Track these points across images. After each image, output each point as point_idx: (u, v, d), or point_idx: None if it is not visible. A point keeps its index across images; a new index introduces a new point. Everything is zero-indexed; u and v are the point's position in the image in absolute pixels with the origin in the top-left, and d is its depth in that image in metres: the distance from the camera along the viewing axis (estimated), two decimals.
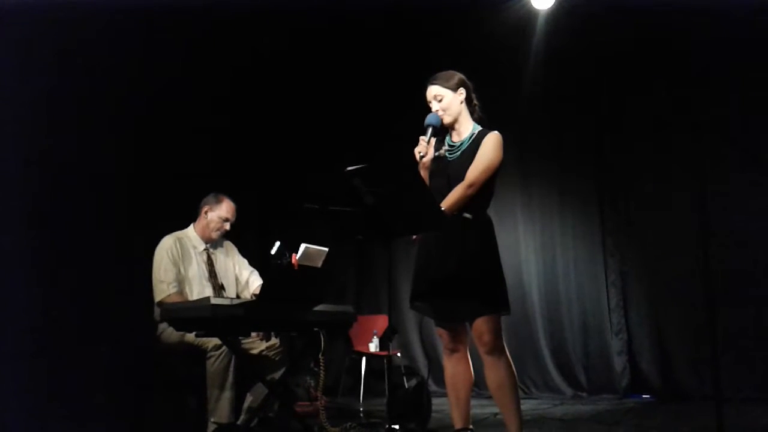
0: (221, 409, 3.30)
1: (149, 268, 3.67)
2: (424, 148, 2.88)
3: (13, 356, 3.65)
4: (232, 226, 3.84)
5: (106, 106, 4.35)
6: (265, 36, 5.45)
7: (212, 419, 3.31)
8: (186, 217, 3.88)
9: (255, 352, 3.51)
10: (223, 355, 3.30)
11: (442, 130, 3.02)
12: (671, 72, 5.38)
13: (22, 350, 3.70)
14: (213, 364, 3.31)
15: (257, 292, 3.73)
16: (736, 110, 5.06)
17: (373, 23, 5.70)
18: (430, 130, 2.89)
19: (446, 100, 2.96)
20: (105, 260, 4.18)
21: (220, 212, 3.79)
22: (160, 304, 3.53)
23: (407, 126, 3.15)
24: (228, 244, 3.95)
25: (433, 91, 2.98)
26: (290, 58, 5.99)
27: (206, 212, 3.79)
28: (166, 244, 3.70)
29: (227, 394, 3.31)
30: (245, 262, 3.96)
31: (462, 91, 2.98)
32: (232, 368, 3.31)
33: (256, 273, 3.92)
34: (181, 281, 3.64)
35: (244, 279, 3.88)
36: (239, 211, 3.90)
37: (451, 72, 3.01)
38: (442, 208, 2.77)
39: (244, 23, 5.21)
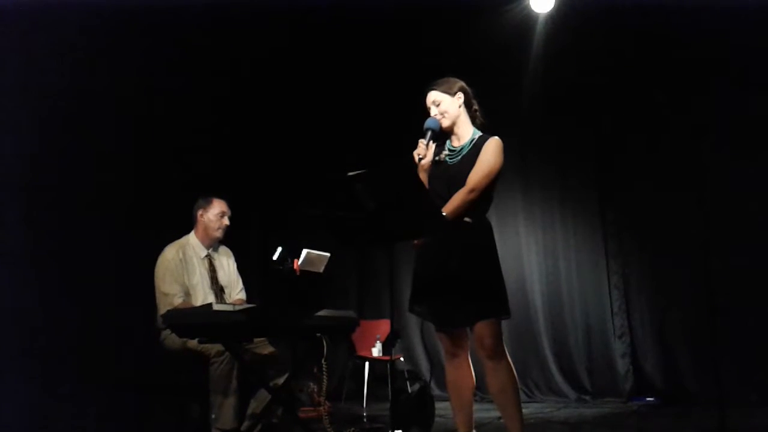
0: (225, 415, 3.30)
1: (152, 272, 3.67)
2: (423, 151, 2.91)
3: (14, 361, 3.65)
4: (231, 221, 3.85)
5: (105, 106, 4.36)
6: (265, 39, 5.45)
7: (216, 425, 3.31)
8: (187, 219, 3.89)
9: (264, 353, 3.53)
10: (226, 361, 3.30)
11: (443, 135, 3.05)
12: (671, 74, 5.38)
13: (23, 355, 3.71)
14: (216, 370, 3.31)
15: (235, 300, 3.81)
16: (736, 111, 5.06)
17: (373, 27, 5.71)
18: (429, 134, 2.93)
19: (444, 105, 3.00)
20: (107, 264, 4.18)
21: (214, 210, 3.82)
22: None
23: (408, 131, 3.16)
24: (228, 250, 3.96)
25: (432, 96, 3.02)
26: (291, 62, 6.00)
27: (201, 215, 3.82)
28: (169, 255, 3.69)
29: (231, 400, 3.31)
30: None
31: (460, 95, 3.01)
32: (235, 374, 3.31)
33: (241, 284, 3.95)
34: (186, 290, 3.65)
35: (234, 282, 3.92)
36: (242, 216, 3.91)
37: (450, 78, 3.06)
38: (444, 214, 2.78)
39: (245, 24, 5.21)
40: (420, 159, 2.91)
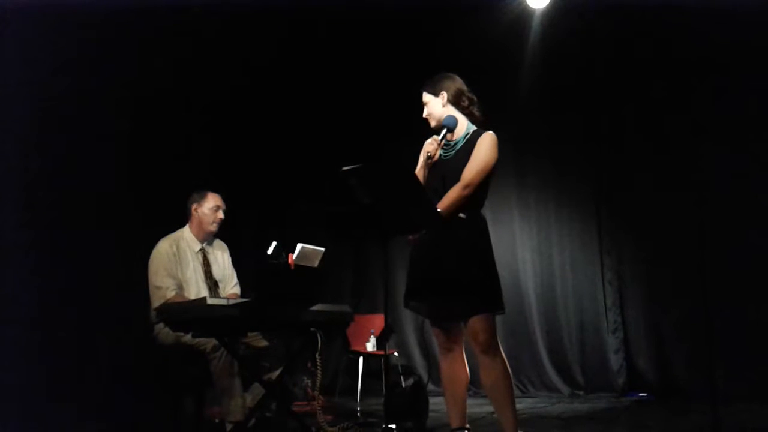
0: (235, 407, 3.31)
1: (147, 268, 3.67)
2: (434, 150, 2.91)
3: (11, 357, 3.65)
4: (226, 214, 3.84)
5: (105, 106, 4.35)
6: (263, 36, 5.43)
7: (228, 419, 3.32)
8: (181, 213, 3.88)
9: (258, 346, 3.52)
10: (224, 355, 3.29)
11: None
12: (669, 71, 5.38)
13: (20, 351, 3.70)
14: (217, 366, 3.31)
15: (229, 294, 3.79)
16: (735, 110, 5.06)
17: (370, 24, 5.70)
18: (443, 131, 2.93)
19: (429, 106, 3.04)
20: (102, 260, 4.17)
21: (208, 204, 3.80)
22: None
23: (404, 127, 3.17)
24: (223, 244, 3.95)
25: (423, 97, 3.05)
26: (289, 59, 5.98)
27: (195, 209, 3.81)
28: (162, 249, 3.68)
29: (238, 392, 3.33)
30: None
31: (443, 94, 3.01)
32: (236, 366, 3.31)
33: (235, 278, 3.93)
34: (179, 283, 3.64)
35: (228, 276, 3.91)
36: (238, 212, 3.90)
37: (438, 76, 3.06)
38: (439, 210, 2.77)
39: (244, 23, 5.20)
40: (429, 157, 2.91)
